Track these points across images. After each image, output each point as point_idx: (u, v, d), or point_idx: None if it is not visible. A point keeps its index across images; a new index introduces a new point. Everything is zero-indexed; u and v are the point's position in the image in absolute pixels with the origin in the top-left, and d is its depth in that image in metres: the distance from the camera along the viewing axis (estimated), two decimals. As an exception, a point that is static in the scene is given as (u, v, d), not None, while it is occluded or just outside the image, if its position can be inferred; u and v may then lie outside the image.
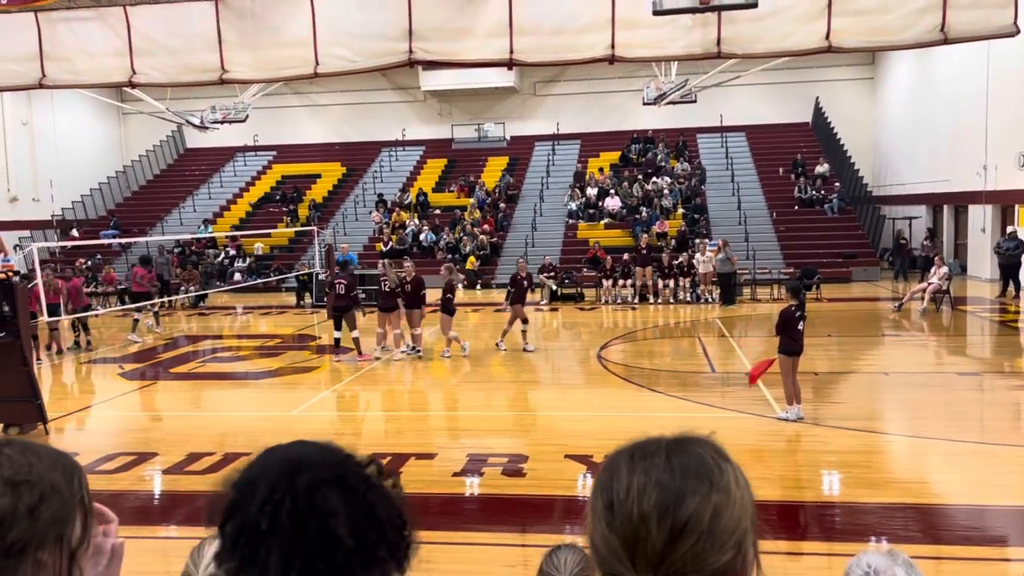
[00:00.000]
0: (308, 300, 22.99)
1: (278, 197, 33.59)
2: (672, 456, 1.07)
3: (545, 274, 22.83)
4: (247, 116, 23.00)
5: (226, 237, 29.70)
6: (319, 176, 35.28)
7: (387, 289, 14.06)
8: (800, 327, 9.30)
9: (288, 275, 26.14)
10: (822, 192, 29.21)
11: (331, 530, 1.18)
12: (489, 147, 35.97)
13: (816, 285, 21.88)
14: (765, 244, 26.57)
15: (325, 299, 19.10)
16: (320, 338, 17.06)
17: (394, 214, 30.49)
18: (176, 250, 29.00)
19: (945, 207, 27.21)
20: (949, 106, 25.89)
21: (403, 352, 14.27)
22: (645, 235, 23.83)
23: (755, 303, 21.36)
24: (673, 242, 26.22)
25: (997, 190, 23.09)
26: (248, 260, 28.71)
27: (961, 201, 25.62)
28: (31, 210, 31.70)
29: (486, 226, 28.73)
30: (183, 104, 24.87)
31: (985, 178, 23.55)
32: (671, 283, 22.18)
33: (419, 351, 14.09)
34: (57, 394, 12.36)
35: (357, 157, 36.54)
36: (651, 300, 22.05)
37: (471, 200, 31.01)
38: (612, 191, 29.90)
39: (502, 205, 30.66)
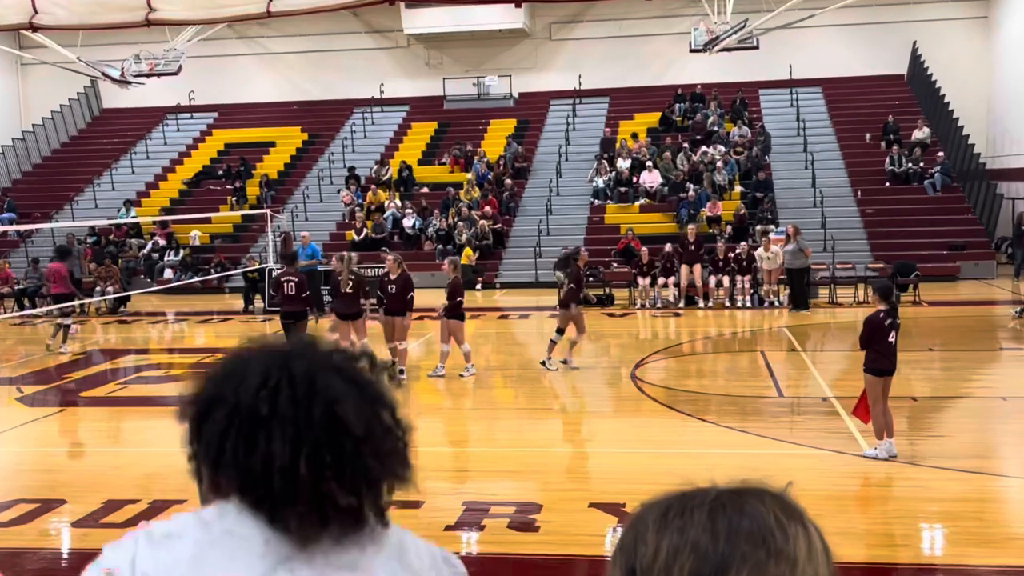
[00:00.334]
0: (259, 304, 23.04)
1: (220, 172, 33.68)
2: (718, 513, 1.04)
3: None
4: (180, 68, 23.06)
5: (154, 223, 29.79)
6: (273, 144, 35.36)
7: (347, 291, 14.00)
8: (892, 339, 9.28)
9: (233, 272, 26.22)
10: (921, 165, 29.13)
11: (338, 416, 1.35)
12: (491, 106, 35.98)
13: (913, 285, 21.80)
14: (847, 232, 26.51)
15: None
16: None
17: (369, 193, 30.56)
18: (90, 240, 29.09)
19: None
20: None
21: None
22: (693, 225, 23.71)
23: (834, 307, 21.31)
24: (729, 229, 26.17)
25: None
26: (182, 253, 28.78)
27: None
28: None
29: (487, 208, 28.77)
30: (99, 52, 24.96)
31: None
32: (726, 281, 22.16)
33: (402, 371, 14.09)
34: (-62, 424, 12.41)
35: (322, 120, 36.59)
36: (700, 303, 22.02)
37: (468, 175, 31.04)
38: (650, 163, 29.89)
39: (508, 181, 30.69)
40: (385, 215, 29.36)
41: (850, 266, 23.35)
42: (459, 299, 14.10)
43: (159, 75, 22.90)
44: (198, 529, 1.37)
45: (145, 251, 29.06)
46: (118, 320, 22.80)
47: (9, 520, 8.34)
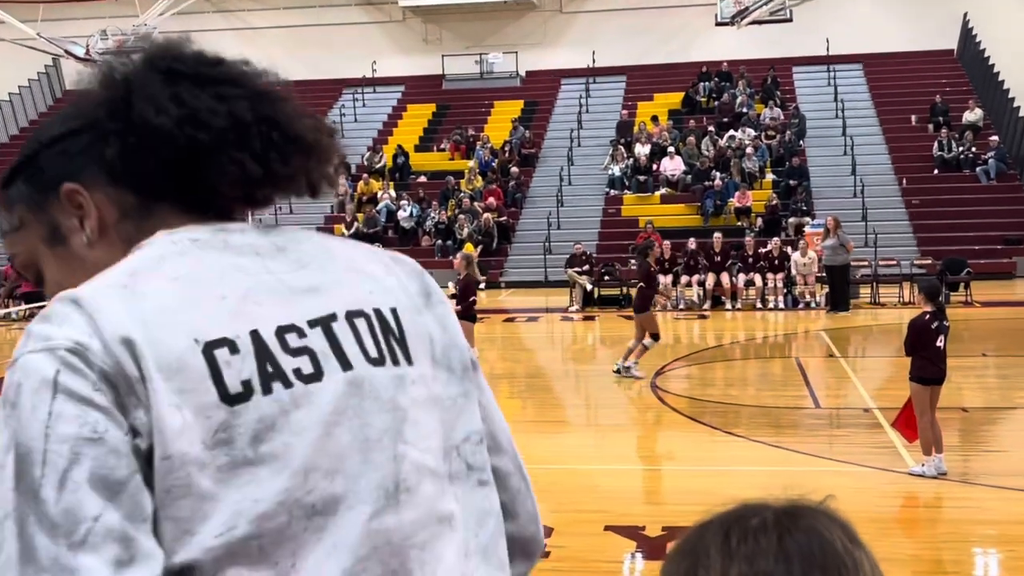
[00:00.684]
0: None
1: (196, 159, 33.72)
2: (786, 538, 1.03)
3: (576, 268, 22.81)
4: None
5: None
6: (254, 129, 35.37)
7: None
8: (940, 343, 9.26)
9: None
10: (973, 150, 29.10)
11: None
12: (496, 86, 36.01)
13: (964, 283, 21.76)
14: (891, 224, 26.50)
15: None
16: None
17: (361, 182, 30.59)
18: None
19: None
20: None
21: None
22: (719, 235, 23.37)
23: (876, 308, 21.28)
24: (759, 222, 26.15)
25: None
26: (154, 249, 28.84)
27: None
28: None
29: (491, 200, 28.79)
30: (61, 28, 25.04)
31: None
32: (756, 280, 22.14)
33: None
34: None
35: (308, 102, 35.00)
36: (727, 304, 22.02)
37: (470, 163, 31.07)
38: (671, 149, 29.89)
39: (514, 169, 30.71)
40: (378, 207, 29.38)
41: (894, 262, 23.31)
42: (472, 299, 14.16)
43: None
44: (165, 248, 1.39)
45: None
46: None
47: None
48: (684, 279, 22.40)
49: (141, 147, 1.40)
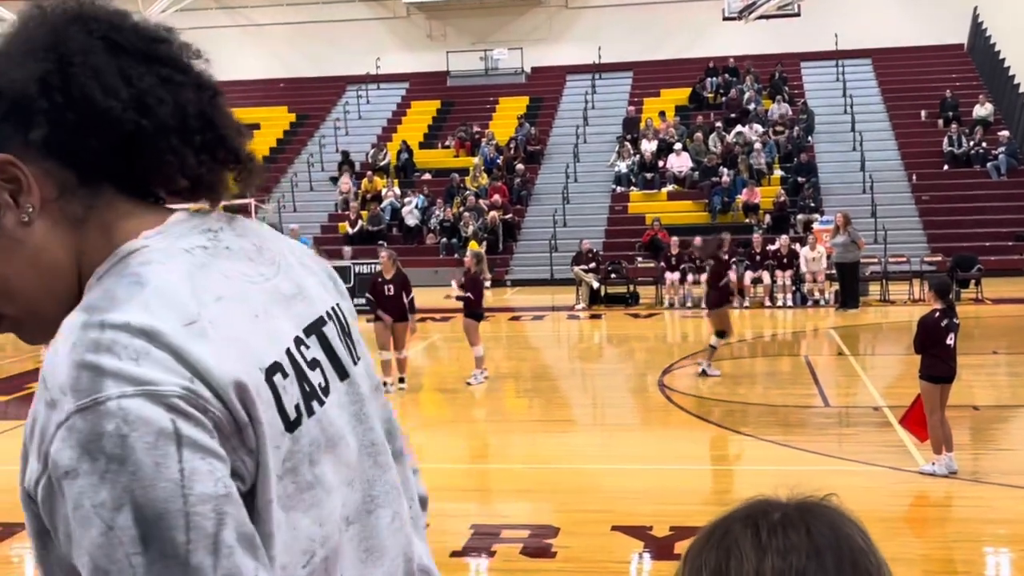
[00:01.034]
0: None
1: (199, 157, 33.74)
2: (814, 531, 1.04)
3: (582, 266, 22.80)
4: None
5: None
6: (257, 126, 35.35)
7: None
8: (950, 341, 9.25)
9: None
10: (983, 145, 29.05)
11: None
12: (501, 83, 36.00)
13: (975, 280, 21.72)
14: (900, 221, 26.46)
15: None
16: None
17: (365, 180, 30.60)
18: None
19: None
20: None
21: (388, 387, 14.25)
22: (727, 235, 23.58)
23: (886, 306, 21.26)
24: (767, 218, 26.13)
25: None
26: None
27: None
28: None
29: (497, 197, 28.78)
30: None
31: None
32: (765, 278, 22.13)
33: (402, 380, 14.08)
34: None
35: (312, 99, 36.66)
36: (735, 302, 21.98)
37: (475, 160, 31.07)
38: (678, 145, 29.88)
39: (520, 166, 30.71)
40: (382, 205, 29.39)
41: (904, 259, 23.30)
42: (479, 296, 14.08)
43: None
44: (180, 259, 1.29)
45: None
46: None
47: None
48: (691, 276, 22.35)
49: (82, 127, 1.24)
